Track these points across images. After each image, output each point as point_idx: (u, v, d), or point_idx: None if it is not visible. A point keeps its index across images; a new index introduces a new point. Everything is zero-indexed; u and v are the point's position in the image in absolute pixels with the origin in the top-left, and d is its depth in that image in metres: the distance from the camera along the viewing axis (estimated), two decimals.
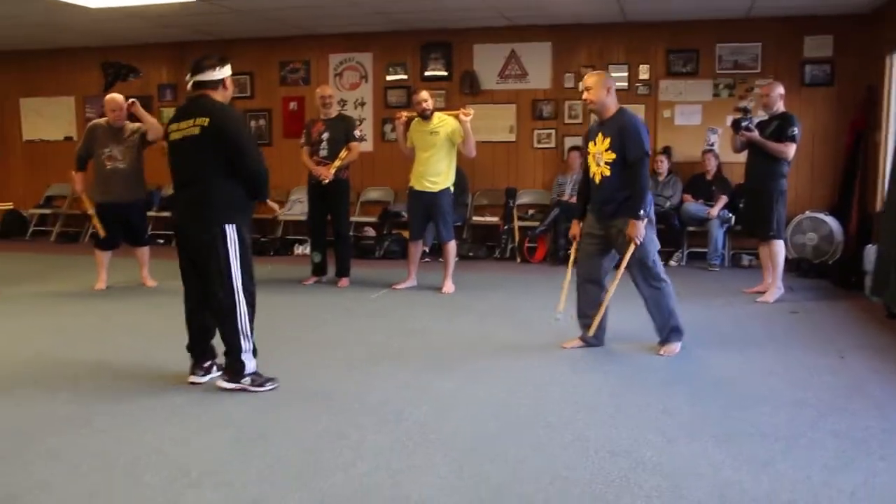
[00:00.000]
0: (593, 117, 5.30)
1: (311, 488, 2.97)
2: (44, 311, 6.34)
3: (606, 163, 4.83)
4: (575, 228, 5.19)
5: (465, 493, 2.92)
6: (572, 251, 5.26)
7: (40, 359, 4.82)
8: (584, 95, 4.90)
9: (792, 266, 8.06)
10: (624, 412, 3.84)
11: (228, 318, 4.06)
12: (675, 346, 4.94)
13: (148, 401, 4.01)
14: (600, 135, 4.89)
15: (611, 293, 4.94)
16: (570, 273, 5.19)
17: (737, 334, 5.50)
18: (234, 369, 4.10)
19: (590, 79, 4.89)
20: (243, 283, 4.07)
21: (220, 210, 4.01)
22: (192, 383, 4.23)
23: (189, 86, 4.18)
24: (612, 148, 4.80)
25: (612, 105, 4.89)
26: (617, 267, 4.91)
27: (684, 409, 3.88)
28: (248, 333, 4.10)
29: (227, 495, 2.91)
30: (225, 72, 4.15)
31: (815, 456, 3.29)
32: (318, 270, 7.67)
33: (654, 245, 4.94)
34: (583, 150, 5.23)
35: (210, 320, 4.21)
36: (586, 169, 5.06)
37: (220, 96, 4.12)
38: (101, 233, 7.06)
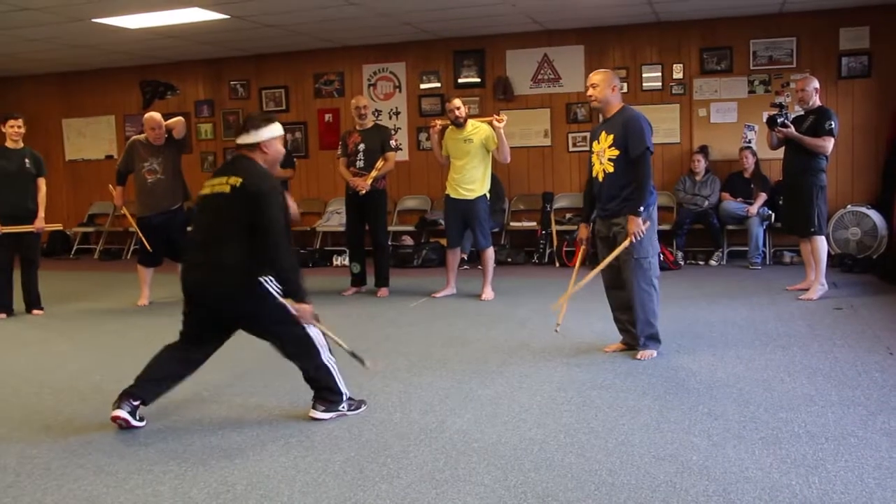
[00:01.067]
0: (600, 119, 5.30)
1: (354, 500, 2.97)
2: (88, 328, 6.45)
3: (609, 159, 4.81)
4: (583, 232, 5.19)
5: (509, 502, 2.91)
6: (579, 256, 5.22)
7: (86, 376, 4.90)
8: (589, 92, 4.93)
9: (835, 262, 7.95)
10: (668, 416, 3.80)
11: (308, 355, 3.90)
12: (652, 352, 4.89)
13: (192, 414, 4.06)
14: (603, 132, 4.89)
15: (580, 284, 4.91)
16: (573, 281, 5.13)
17: (781, 333, 5.42)
18: (329, 399, 3.94)
19: (596, 76, 4.93)
20: (309, 326, 3.90)
21: (254, 269, 3.78)
22: (115, 418, 3.81)
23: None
24: (615, 144, 4.79)
25: (615, 102, 4.91)
26: (602, 258, 4.90)
27: (730, 412, 3.83)
28: (331, 361, 3.95)
29: None
30: (261, 135, 3.87)
31: (867, 456, 3.22)
32: (358, 281, 7.70)
33: (654, 247, 4.90)
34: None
35: (177, 378, 3.98)
36: (590, 170, 5.04)
37: (259, 158, 3.89)
38: (148, 247, 7.15)
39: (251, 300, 3.80)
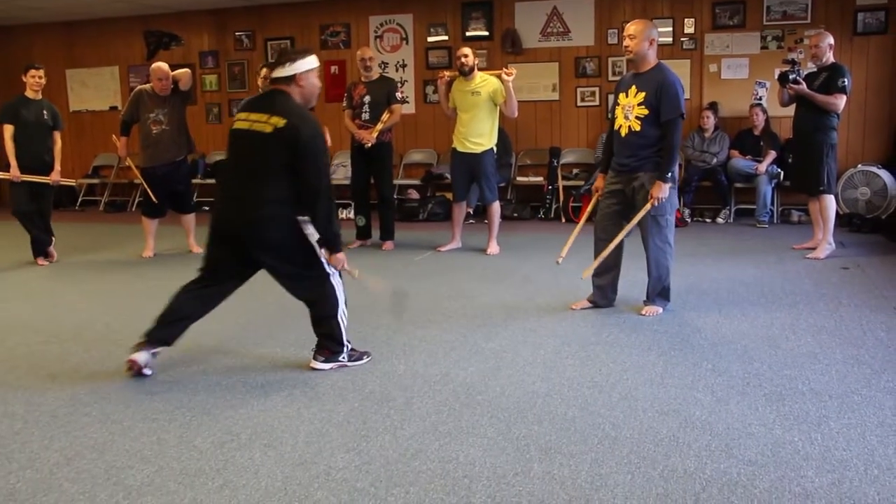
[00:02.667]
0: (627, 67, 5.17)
1: (358, 450, 2.99)
2: (95, 279, 6.46)
3: (637, 117, 4.71)
4: (600, 182, 5.08)
5: (512, 454, 2.92)
6: (590, 205, 5.16)
7: (91, 325, 4.92)
8: (626, 43, 4.76)
9: (843, 221, 7.90)
10: (672, 372, 3.80)
11: (328, 301, 3.90)
12: (658, 309, 4.87)
13: (198, 365, 4.07)
14: (634, 87, 4.76)
15: (615, 242, 4.81)
16: (581, 224, 5.11)
17: (787, 291, 5.40)
18: (330, 349, 3.97)
19: (633, 26, 4.74)
20: (335, 273, 3.91)
21: (288, 205, 3.77)
22: (131, 361, 3.84)
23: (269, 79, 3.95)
24: (645, 103, 4.68)
25: (651, 58, 4.76)
26: (629, 220, 4.83)
27: (734, 368, 3.83)
28: (344, 315, 3.96)
29: (276, 457, 2.94)
30: (297, 67, 3.79)
31: (870, 414, 3.22)
32: (363, 234, 7.69)
33: (672, 205, 4.85)
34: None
35: (195, 316, 3.97)
36: (612, 121, 4.96)
37: (295, 93, 3.82)
38: (153, 198, 7.14)
39: (283, 232, 3.78)
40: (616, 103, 4.91)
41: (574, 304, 5.08)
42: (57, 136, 7.09)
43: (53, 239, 7.21)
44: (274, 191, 3.74)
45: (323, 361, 3.96)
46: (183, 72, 7.17)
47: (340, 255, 3.85)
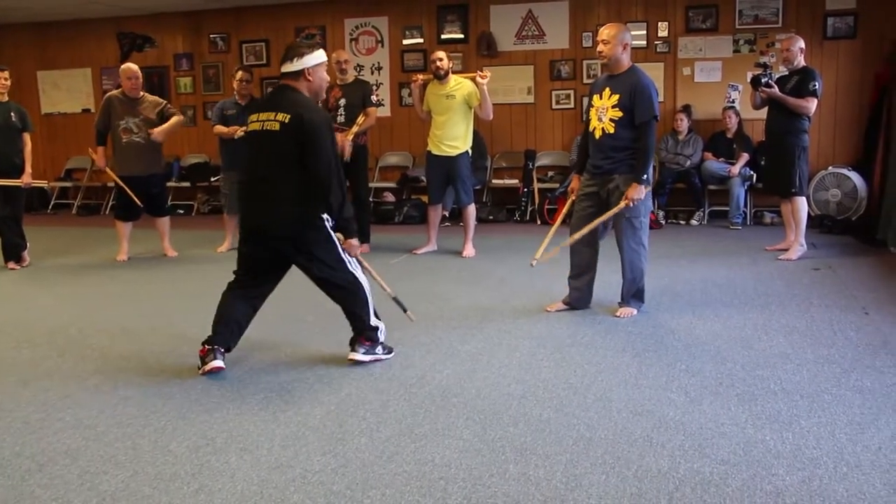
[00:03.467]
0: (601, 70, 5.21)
1: (334, 453, 2.99)
2: (68, 283, 6.40)
3: (611, 119, 4.75)
4: (575, 183, 5.10)
5: (487, 455, 2.93)
6: (566, 207, 5.18)
7: (65, 330, 4.87)
8: (599, 48, 4.79)
9: (815, 223, 7.98)
10: (646, 373, 3.83)
11: (354, 295, 3.96)
12: (633, 310, 4.91)
13: (172, 370, 4.05)
14: (608, 90, 4.79)
15: (581, 233, 4.84)
16: (556, 226, 5.15)
17: (759, 292, 5.46)
18: (370, 339, 4.02)
19: (607, 31, 4.78)
20: (355, 263, 4.00)
21: (310, 203, 3.82)
22: (214, 369, 3.91)
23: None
24: (619, 105, 4.72)
25: (625, 61, 4.80)
26: (597, 216, 4.84)
27: (707, 369, 3.86)
28: (373, 303, 4.03)
29: (252, 461, 2.94)
30: (306, 62, 3.82)
31: (840, 413, 3.27)
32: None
33: (647, 207, 4.90)
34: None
35: (245, 317, 4.04)
36: (587, 123, 4.98)
37: (304, 87, 3.86)
38: (137, 201, 7.06)
39: (310, 231, 3.84)
40: (590, 105, 4.94)
41: (549, 305, 5.10)
42: (27, 137, 6.97)
43: (27, 244, 7.10)
44: (293, 188, 3.79)
45: (364, 353, 4.01)
46: (174, 121, 7.18)
47: (354, 241, 3.95)
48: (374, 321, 4.04)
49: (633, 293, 4.92)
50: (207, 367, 3.89)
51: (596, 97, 4.88)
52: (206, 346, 3.94)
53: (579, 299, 5.05)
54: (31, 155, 7.04)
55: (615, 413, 3.32)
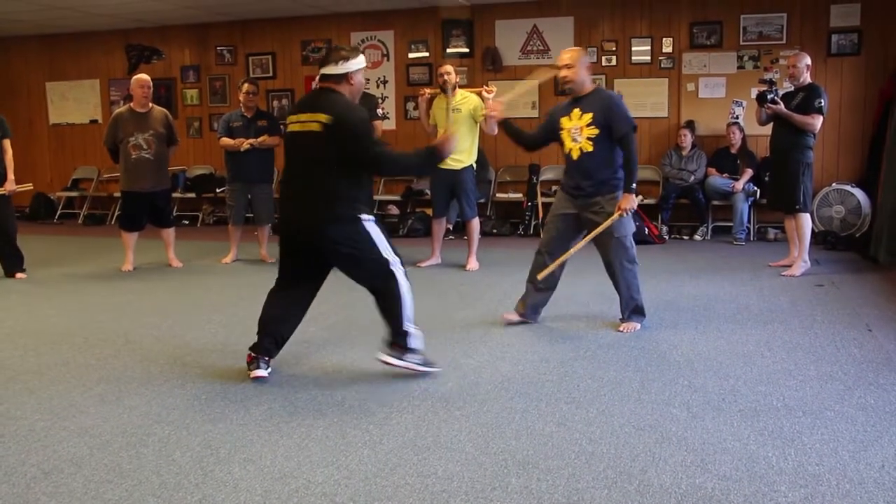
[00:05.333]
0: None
1: (337, 464, 3.00)
2: (73, 293, 6.42)
3: (588, 138, 4.77)
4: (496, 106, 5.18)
5: (490, 469, 2.94)
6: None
7: (70, 339, 4.89)
8: (563, 73, 4.82)
9: (819, 239, 8.00)
10: (649, 388, 3.84)
11: (392, 295, 3.94)
12: (636, 325, 4.93)
13: (176, 380, 4.06)
14: (577, 110, 4.82)
15: (566, 256, 4.89)
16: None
17: (762, 309, 5.46)
18: (401, 345, 3.97)
19: (568, 56, 4.83)
20: (397, 262, 3.95)
21: (351, 203, 3.84)
22: (256, 377, 3.98)
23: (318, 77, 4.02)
24: (594, 123, 4.75)
25: (589, 83, 4.88)
26: (587, 234, 4.87)
27: (710, 384, 3.87)
28: (411, 313, 3.98)
29: (255, 472, 2.95)
30: (349, 66, 3.88)
31: (843, 430, 3.27)
32: None
33: (632, 225, 4.93)
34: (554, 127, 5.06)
35: (283, 321, 4.06)
36: (543, 126, 5.10)
37: (345, 90, 3.92)
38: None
39: (348, 228, 3.84)
40: (559, 127, 4.93)
41: (506, 313, 5.15)
42: (6, 144, 6.83)
43: (23, 257, 7.00)
44: (333, 188, 3.82)
45: (396, 357, 3.98)
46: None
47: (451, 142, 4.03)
48: (406, 325, 3.97)
49: (632, 309, 4.93)
50: (251, 375, 3.99)
51: (564, 119, 4.89)
52: (251, 354, 4.03)
53: (533, 313, 5.09)
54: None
55: (618, 428, 3.33)
